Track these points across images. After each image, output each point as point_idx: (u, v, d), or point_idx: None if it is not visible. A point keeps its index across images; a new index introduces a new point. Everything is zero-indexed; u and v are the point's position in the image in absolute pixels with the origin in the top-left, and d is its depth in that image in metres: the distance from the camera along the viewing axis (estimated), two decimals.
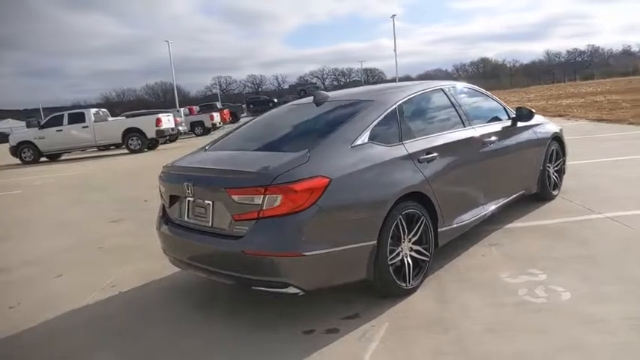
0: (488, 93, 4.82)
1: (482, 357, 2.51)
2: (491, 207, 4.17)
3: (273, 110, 4.43)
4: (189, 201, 3.24)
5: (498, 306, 3.04)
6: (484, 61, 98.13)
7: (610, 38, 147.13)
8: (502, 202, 4.35)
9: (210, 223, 3.07)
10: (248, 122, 4.30)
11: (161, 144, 20.97)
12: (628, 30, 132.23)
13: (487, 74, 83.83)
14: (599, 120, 13.33)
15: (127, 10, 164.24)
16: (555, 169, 5.31)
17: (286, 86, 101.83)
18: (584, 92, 29.84)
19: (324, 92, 3.95)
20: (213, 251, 3.02)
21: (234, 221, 2.89)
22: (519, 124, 4.66)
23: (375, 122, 3.32)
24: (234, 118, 34.80)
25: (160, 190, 3.61)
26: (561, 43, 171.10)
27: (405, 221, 3.19)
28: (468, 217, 3.85)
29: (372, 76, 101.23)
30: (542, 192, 5.08)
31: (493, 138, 4.21)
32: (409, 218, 3.23)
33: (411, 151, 3.36)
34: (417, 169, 3.34)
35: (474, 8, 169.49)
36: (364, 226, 2.97)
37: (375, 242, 2.99)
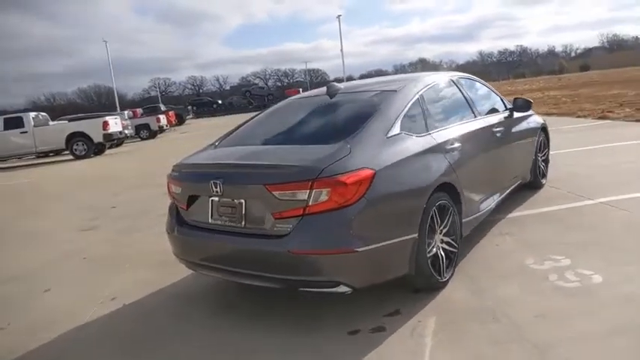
0: (485, 82, 4.89)
1: (544, 343, 2.50)
2: (499, 196, 4.23)
3: (281, 104, 4.24)
4: (213, 201, 3.02)
5: (537, 293, 3.05)
6: (422, 61, 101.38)
7: (536, 39, 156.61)
8: (506, 191, 4.43)
9: (242, 224, 2.87)
10: (255, 117, 4.08)
11: (107, 148, 19.89)
12: (551, 31, 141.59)
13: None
14: (549, 114, 14.04)
15: (54, 10, 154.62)
16: (542, 158, 5.49)
17: (227, 87, 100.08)
18: (522, 90, 31.43)
19: (336, 84, 3.84)
20: (252, 253, 2.82)
21: (275, 219, 2.72)
22: (515, 114, 4.76)
23: (404, 112, 3.26)
24: (180, 120, 33.67)
25: (171, 191, 3.35)
26: (492, 44, 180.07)
27: (437, 213, 3.15)
28: (485, 206, 3.88)
29: (316, 77, 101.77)
30: (534, 181, 5.23)
31: (499, 128, 4.27)
32: (440, 209, 3.18)
33: (439, 141, 3.33)
34: (445, 159, 3.30)
35: (408, 10, 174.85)
36: (407, 219, 2.89)
37: (416, 235, 2.92)
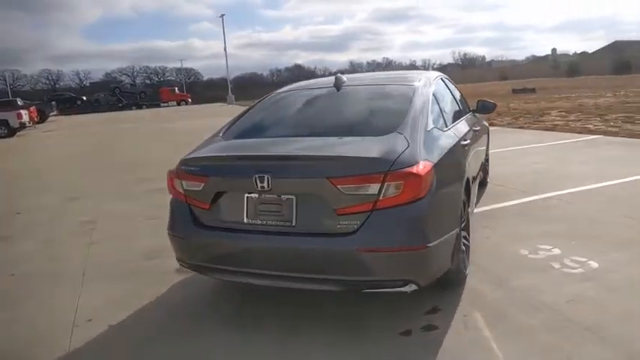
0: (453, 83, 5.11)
1: (593, 325, 2.67)
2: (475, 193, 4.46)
3: (285, 94, 3.93)
4: (250, 198, 2.68)
5: (553, 280, 3.26)
6: (298, 67, 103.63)
7: (399, 53, 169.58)
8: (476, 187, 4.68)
9: (292, 222, 2.59)
10: (259, 107, 3.72)
11: None
12: (411, 47, 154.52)
13: (302, 80, 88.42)
14: None
15: None
16: (485, 158, 5.92)
17: (88, 84, 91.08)
18: None
19: (342, 76, 3.69)
20: (309, 254, 2.56)
21: (338, 216, 2.50)
22: (477, 114, 5.05)
23: (429, 107, 3.25)
24: (42, 116, 29.74)
25: (179, 188, 2.92)
26: (360, 54, 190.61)
27: (462, 207, 3.20)
28: (474, 201, 4.05)
29: (188, 77, 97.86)
30: (484, 178, 5.62)
31: (476, 127, 4.50)
32: (463, 204, 3.24)
33: (458, 136, 3.39)
34: (463, 154, 3.38)
35: (281, 17, 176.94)
36: (454, 213, 2.89)
37: (458, 229, 2.93)
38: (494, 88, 37.26)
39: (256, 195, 2.66)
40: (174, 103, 54.72)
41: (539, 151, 8.52)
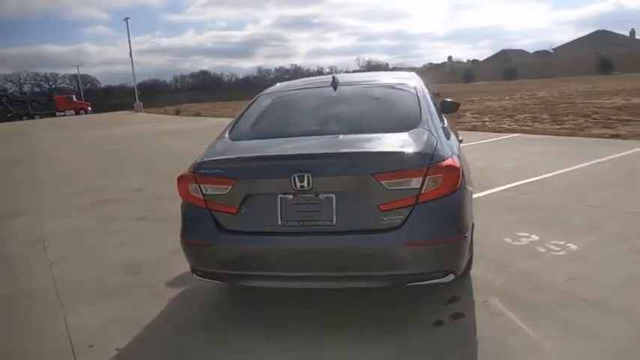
0: None
1: (598, 299, 2.95)
2: None
3: (287, 95, 3.86)
4: (284, 199, 2.60)
5: (545, 263, 3.54)
6: (204, 73, 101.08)
7: (304, 60, 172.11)
8: None
9: (333, 221, 2.56)
10: (257, 109, 3.59)
11: None
12: (317, 53, 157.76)
13: (208, 86, 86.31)
14: None
15: None
16: None
17: None
18: None
19: (337, 76, 3.71)
20: (353, 253, 2.54)
21: (382, 211, 2.51)
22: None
23: (432, 105, 3.37)
24: None
25: (194, 193, 2.76)
26: (267, 61, 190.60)
27: None
28: None
29: (85, 84, 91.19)
30: None
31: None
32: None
33: (453, 133, 3.55)
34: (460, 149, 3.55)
35: (183, 21, 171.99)
36: (471, 204, 3.02)
37: (473, 220, 3.08)
38: None
39: (292, 195, 2.59)
40: (72, 112, 50.63)
41: (472, 149, 9.11)
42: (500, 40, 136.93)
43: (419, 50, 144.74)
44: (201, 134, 16.44)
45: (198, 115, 28.72)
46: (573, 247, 3.79)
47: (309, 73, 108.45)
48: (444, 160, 2.59)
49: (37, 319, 3.27)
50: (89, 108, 52.83)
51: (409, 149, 2.61)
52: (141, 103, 42.28)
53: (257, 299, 3.25)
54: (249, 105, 3.64)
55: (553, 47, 58.45)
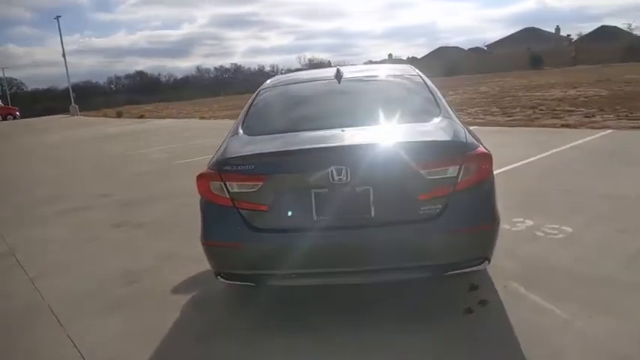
0: None
1: (605, 277, 3.11)
2: None
3: (293, 88, 3.75)
4: (318, 193, 2.52)
5: (547, 247, 3.68)
6: (140, 74, 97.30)
7: (243, 58, 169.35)
8: None
9: (371, 213, 2.51)
10: (264, 104, 3.44)
11: None
12: (256, 52, 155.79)
13: (146, 87, 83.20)
14: None
15: None
16: None
17: None
18: None
19: (339, 68, 3.67)
20: (394, 244, 2.51)
21: (420, 201, 2.50)
22: None
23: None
24: None
25: (227, 192, 2.62)
26: (204, 60, 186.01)
27: None
28: None
29: (10, 87, 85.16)
30: None
31: None
32: None
33: None
34: None
35: (114, 21, 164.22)
36: None
37: None
38: None
39: (326, 189, 2.52)
40: None
41: None
42: (434, 38, 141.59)
43: (358, 48, 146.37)
44: (152, 136, 15.88)
45: (142, 117, 27.60)
46: (568, 229, 3.96)
47: (250, 72, 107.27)
48: (477, 148, 2.62)
49: (40, 341, 2.98)
50: (17, 113, 49.32)
51: (445, 138, 2.63)
52: (77, 106, 40.00)
53: (276, 298, 3.15)
54: (254, 99, 3.50)
55: (486, 44, 61.37)
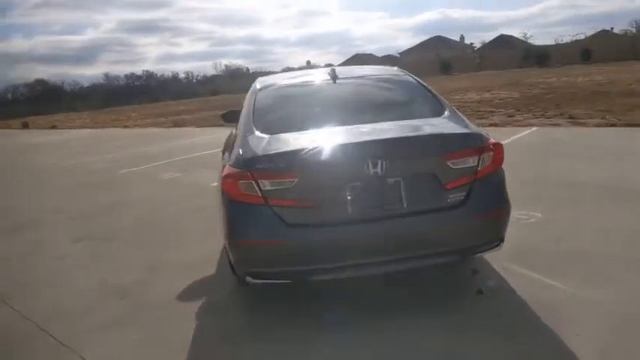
0: None
1: (584, 251, 3.48)
2: None
3: (295, 89, 3.78)
4: (354, 187, 2.59)
5: (525, 230, 3.99)
6: (41, 82, 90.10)
7: (155, 65, 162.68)
8: None
9: (403, 204, 2.62)
10: (269, 104, 3.40)
11: None
12: (168, 59, 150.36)
13: (49, 96, 77.16)
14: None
15: None
16: None
17: None
18: (186, 110, 32.72)
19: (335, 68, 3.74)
20: (425, 232, 2.64)
21: (448, 190, 2.65)
22: None
23: None
24: None
25: (259, 190, 2.59)
26: (114, 67, 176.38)
27: None
28: None
29: None
30: None
31: None
32: None
33: None
34: None
35: (8, 25, 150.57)
36: None
37: None
38: None
39: (360, 183, 2.59)
40: None
41: None
42: (349, 45, 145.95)
43: (275, 55, 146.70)
44: (80, 146, 14.83)
45: (54, 127, 25.62)
46: (538, 214, 4.34)
47: (164, 79, 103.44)
48: (490, 139, 2.82)
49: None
50: None
51: (466, 130, 2.81)
52: None
53: (288, 295, 3.15)
54: (254, 99, 3.44)
55: (399, 52, 64.47)
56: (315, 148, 2.64)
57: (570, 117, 10.29)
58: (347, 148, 2.65)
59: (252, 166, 2.61)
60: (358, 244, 2.61)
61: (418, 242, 2.68)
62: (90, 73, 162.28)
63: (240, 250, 2.69)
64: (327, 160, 2.61)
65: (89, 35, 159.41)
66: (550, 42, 51.01)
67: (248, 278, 2.71)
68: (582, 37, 46.31)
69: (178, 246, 4.42)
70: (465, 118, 3.06)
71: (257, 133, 2.96)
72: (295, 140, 2.78)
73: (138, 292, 3.54)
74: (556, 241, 3.72)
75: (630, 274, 3.09)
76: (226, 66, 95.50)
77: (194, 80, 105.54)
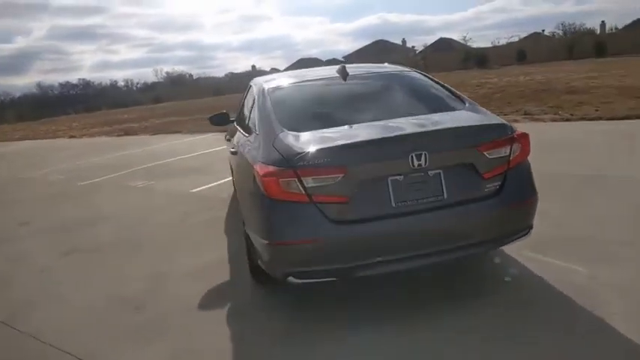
0: None
1: (592, 236, 3.66)
2: None
3: (310, 86, 3.74)
4: (395, 181, 2.59)
5: None
6: None
7: (91, 73, 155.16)
8: None
9: (444, 195, 2.65)
10: (286, 101, 3.37)
11: None
12: (105, 66, 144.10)
13: None
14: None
15: None
16: None
17: None
18: (130, 119, 31.45)
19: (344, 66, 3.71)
20: (466, 223, 2.68)
21: (484, 180, 2.71)
22: None
23: None
24: None
25: (303, 188, 2.54)
26: (47, 76, 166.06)
27: None
28: None
29: None
30: None
31: None
32: None
33: None
34: None
35: None
36: None
37: None
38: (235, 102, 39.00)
39: (401, 176, 2.60)
40: None
41: None
42: (291, 50, 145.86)
43: (217, 60, 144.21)
44: (28, 158, 13.90)
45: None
46: None
47: (101, 87, 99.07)
48: (517, 129, 2.91)
49: None
50: None
51: (496, 121, 2.89)
52: None
53: (314, 295, 3.11)
54: (269, 99, 3.34)
55: (343, 55, 65.15)
56: (362, 142, 2.63)
57: (526, 113, 10.82)
58: (391, 142, 2.65)
59: (295, 163, 2.55)
60: (402, 237, 2.62)
61: (460, 232, 2.72)
62: (22, 82, 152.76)
63: (283, 251, 2.61)
64: (374, 154, 2.60)
65: (19, 43, 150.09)
66: (487, 44, 53.57)
67: (290, 278, 2.64)
68: (516, 39, 49.02)
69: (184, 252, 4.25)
70: (486, 110, 3.15)
71: (285, 131, 2.89)
72: (337, 136, 2.74)
73: (156, 305, 3.36)
74: (557, 228, 3.89)
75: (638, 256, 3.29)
76: (167, 73, 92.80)
77: (134, 88, 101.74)
